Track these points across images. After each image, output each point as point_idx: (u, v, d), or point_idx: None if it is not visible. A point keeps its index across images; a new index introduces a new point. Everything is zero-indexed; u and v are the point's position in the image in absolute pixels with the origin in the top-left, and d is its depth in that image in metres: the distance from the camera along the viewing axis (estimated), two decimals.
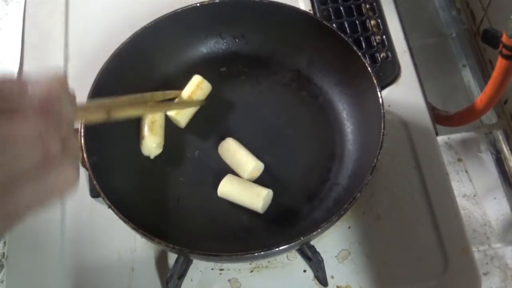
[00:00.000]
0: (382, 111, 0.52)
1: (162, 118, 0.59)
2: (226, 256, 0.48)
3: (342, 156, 0.58)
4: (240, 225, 0.55)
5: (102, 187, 0.49)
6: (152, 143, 0.57)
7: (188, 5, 0.60)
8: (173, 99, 0.59)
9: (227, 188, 0.55)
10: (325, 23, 0.58)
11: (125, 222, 0.48)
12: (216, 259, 0.52)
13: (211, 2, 0.60)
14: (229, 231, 0.55)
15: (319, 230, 0.48)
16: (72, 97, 0.31)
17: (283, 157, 0.59)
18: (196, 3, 0.60)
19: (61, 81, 0.30)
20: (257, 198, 0.53)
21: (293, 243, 0.47)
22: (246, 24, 0.62)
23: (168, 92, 0.59)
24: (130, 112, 0.43)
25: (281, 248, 0.47)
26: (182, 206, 0.57)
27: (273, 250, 0.47)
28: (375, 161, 0.50)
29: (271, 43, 0.63)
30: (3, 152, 0.26)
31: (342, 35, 0.57)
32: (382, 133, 0.51)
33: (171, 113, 0.59)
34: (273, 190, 0.55)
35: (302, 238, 0.47)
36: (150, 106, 0.52)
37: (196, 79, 0.60)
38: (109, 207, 0.48)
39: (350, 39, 0.67)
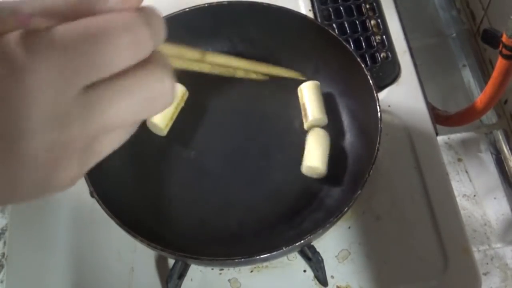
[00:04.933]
0: (379, 125, 0.52)
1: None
2: (221, 260, 0.48)
3: (337, 168, 0.58)
4: (230, 229, 0.55)
5: (97, 189, 0.50)
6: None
7: (196, 5, 0.60)
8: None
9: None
10: (333, 33, 0.58)
11: (116, 222, 0.48)
12: (210, 262, 0.52)
13: (219, 3, 0.60)
14: (219, 234, 0.55)
15: (302, 241, 0.48)
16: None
17: (279, 164, 0.58)
18: (204, 4, 0.60)
19: None
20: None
21: (274, 252, 0.47)
22: (254, 28, 0.62)
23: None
24: (228, 61, 0.37)
25: (262, 256, 0.47)
26: (173, 207, 0.57)
27: (255, 258, 0.47)
28: (367, 176, 0.49)
29: (278, 48, 0.62)
30: (94, 46, 0.22)
31: (349, 46, 0.57)
32: (377, 149, 0.51)
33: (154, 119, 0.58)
34: (264, 197, 0.56)
35: (284, 249, 0.47)
36: (252, 63, 0.45)
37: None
38: (102, 208, 0.49)
39: (352, 45, 0.68)
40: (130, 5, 0.25)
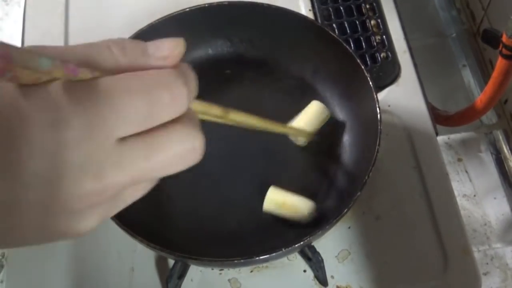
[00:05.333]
0: (379, 127, 0.52)
1: None
2: (221, 261, 0.48)
3: (336, 169, 0.58)
4: (230, 230, 0.55)
5: None
6: None
7: (196, 5, 0.60)
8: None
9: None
10: (333, 34, 0.58)
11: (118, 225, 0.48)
12: (209, 263, 0.52)
13: (219, 3, 0.60)
14: (218, 235, 0.55)
15: (301, 243, 0.47)
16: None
17: (277, 167, 0.58)
18: (204, 4, 0.60)
19: (182, 45, 0.26)
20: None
21: (274, 254, 0.47)
22: (254, 28, 0.62)
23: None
24: (248, 120, 0.40)
25: (261, 257, 0.47)
26: (172, 207, 0.56)
27: (254, 259, 0.47)
28: (366, 177, 0.49)
29: (278, 49, 0.62)
30: (136, 101, 0.23)
31: (349, 47, 0.56)
32: (376, 150, 0.51)
33: None
34: (262, 200, 0.55)
35: (283, 250, 0.47)
36: (269, 122, 0.46)
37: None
38: None
39: (352, 45, 0.68)
40: (172, 63, 0.26)
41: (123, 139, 0.23)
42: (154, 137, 0.24)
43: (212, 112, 0.32)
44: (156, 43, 0.26)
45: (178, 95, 0.24)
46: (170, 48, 0.26)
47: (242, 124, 0.38)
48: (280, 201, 0.53)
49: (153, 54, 0.25)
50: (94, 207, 0.23)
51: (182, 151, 0.26)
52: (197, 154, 0.26)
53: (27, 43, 0.71)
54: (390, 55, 0.68)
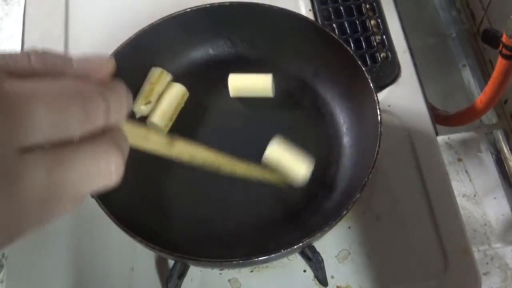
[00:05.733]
0: (379, 129, 0.52)
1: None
2: (223, 261, 0.48)
3: (336, 170, 0.58)
4: (229, 230, 0.55)
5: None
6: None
7: (197, 6, 0.60)
8: None
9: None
10: (334, 35, 0.58)
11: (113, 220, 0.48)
12: (208, 264, 0.52)
13: (220, 4, 0.60)
14: (218, 235, 0.55)
15: (300, 244, 0.47)
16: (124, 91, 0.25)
17: None
18: (206, 4, 0.60)
19: (111, 61, 0.25)
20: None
21: (273, 255, 0.47)
22: (255, 29, 0.62)
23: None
24: (194, 152, 0.37)
25: (260, 258, 0.47)
26: (172, 207, 0.56)
27: (253, 260, 0.47)
28: (366, 179, 0.49)
29: (278, 49, 0.62)
30: (39, 107, 0.21)
31: (349, 49, 0.56)
32: (376, 152, 0.51)
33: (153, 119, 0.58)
34: (264, 198, 0.55)
35: (282, 251, 0.47)
36: (220, 157, 0.44)
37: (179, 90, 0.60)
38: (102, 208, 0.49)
39: (352, 45, 0.68)
40: (97, 75, 0.24)
41: (28, 149, 0.21)
42: (62, 150, 0.22)
43: (154, 139, 0.30)
44: (83, 55, 0.24)
45: (92, 108, 0.22)
46: (97, 61, 0.24)
47: (191, 158, 0.35)
48: (279, 155, 0.53)
49: (77, 65, 0.24)
50: None
51: (91, 170, 0.23)
52: (110, 176, 0.24)
53: (27, 43, 0.71)
54: (390, 55, 0.68)
